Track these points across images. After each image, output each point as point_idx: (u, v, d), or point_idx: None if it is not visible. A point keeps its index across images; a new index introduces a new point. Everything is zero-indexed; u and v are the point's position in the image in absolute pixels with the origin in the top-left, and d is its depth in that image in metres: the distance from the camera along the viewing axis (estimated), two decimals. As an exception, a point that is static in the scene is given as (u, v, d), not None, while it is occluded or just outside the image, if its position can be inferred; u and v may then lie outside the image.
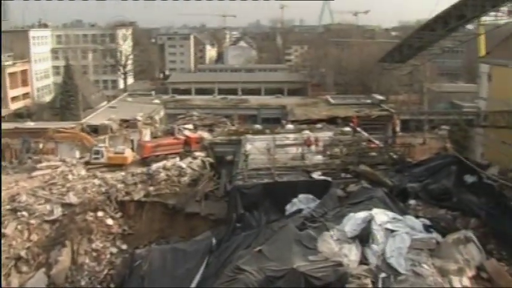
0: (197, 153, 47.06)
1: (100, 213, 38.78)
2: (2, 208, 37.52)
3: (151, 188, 41.01)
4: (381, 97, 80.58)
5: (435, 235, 26.54)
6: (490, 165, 39.09)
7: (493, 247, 28.10)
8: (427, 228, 27.40)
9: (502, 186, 33.72)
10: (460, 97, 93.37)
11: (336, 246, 25.60)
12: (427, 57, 45.52)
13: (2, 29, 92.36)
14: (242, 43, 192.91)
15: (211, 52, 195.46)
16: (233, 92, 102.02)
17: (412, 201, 32.96)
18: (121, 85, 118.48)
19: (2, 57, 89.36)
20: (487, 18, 38.87)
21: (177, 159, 45.49)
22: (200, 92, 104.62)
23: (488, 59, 42.36)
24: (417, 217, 29.09)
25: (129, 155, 47.84)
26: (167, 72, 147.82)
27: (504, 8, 34.99)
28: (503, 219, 29.45)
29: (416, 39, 42.10)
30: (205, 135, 53.47)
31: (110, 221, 38.76)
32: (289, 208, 33.20)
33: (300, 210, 32.06)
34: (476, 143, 43.65)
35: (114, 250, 37.46)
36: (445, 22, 37.82)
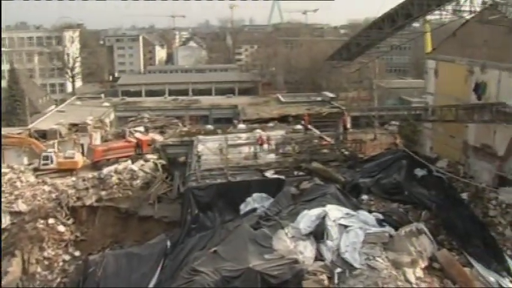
0: (149, 156, 46.55)
1: (51, 220, 37.90)
2: None
3: (103, 193, 40.34)
4: (331, 94, 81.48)
5: (388, 229, 27.09)
6: (438, 158, 40.15)
7: (444, 238, 28.95)
8: (380, 222, 27.97)
9: (450, 178, 34.67)
10: (408, 93, 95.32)
11: (291, 243, 25.82)
12: (375, 54, 46.27)
13: None
14: (192, 43, 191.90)
15: (160, 53, 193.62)
16: (184, 92, 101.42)
17: (364, 196, 33.47)
18: (69, 88, 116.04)
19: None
20: (433, 17, 39.83)
21: (129, 162, 44.89)
22: (150, 93, 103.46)
23: (435, 55, 43.31)
24: (370, 212, 29.68)
25: (80, 159, 47.05)
26: (116, 75, 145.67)
27: (449, 7, 35.85)
28: (453, 210, 30.31)
29: (364, 38, 42.73)
30: (157, 137, 53.01)
31: (61, 228, 37.93)
32: (244, 208, 33.29)
33: (254, 210, 32.17)
34: (425, 137, 44.64)
35: (66, 257, 36.67)
36: (392, 21, 38.49)
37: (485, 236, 28.63)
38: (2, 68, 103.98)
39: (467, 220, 29.59)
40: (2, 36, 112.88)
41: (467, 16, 35.43)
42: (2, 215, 37.82)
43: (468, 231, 28.69)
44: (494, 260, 27.35)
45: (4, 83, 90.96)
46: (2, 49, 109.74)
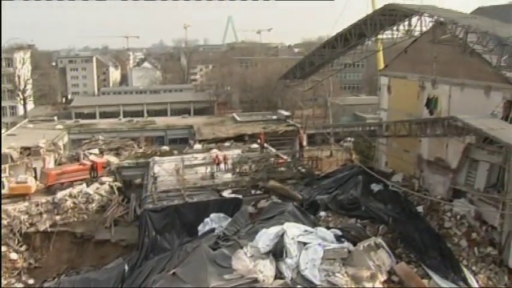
0: (104, 178, 45.79)
1: (3, 248, 36.74)
2: None
3: (57, 217, 39.42)
4: (286, 113, 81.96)
5: (346, 244, 27.24)
6: (394, 172, 40.64)
7: (402, 251, 29.24)
8: (338, 238, 28.09)
9: (406, 192, 35.15)
10: (362, 109, 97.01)
11: (250, 263, 25.68)
12: (328, 73, 46.76)
13: None
14: (146, 64, 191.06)
15: (115, 74, 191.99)
16: (139, 114, 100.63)
17: (322, 213, 33.65)
18: (21, 111, 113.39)
19: None
20: (385, 35, 40.58)
21: (84, 185, 44.07)
22: (105, 115, 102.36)
23: (387, 71, 44.01)
24: (328, 228, 29.75)
25: (32, 184, 45.78)
26: (70, 96, 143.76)
27: (401, 27, 36.62)
28: (409, 223, 30.69)
29: (318, 57, 43.20)
30: (112, 159, 52.15)
31: (14, 255, 36.82)
32: (202, 228, 33.11)
33: (212, 230, 32.01)
34: (380, 153, 45.16)
35: (20, 286, 35.54)
36: (345, 40, 39.08)
37: (441, 248, 29.09)
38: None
39: (423, 232, 30.00)
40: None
41: (418, 35, 36.16)
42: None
43: (425, 243, 29.09)
44: (451, 270, 27.79)
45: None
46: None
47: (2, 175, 46.64)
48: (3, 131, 78.59)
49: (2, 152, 53.08)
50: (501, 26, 28.35)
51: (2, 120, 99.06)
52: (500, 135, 26.48)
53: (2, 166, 48.91)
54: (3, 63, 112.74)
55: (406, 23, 36.03)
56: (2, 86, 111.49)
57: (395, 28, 37.26)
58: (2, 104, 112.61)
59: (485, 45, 28.13)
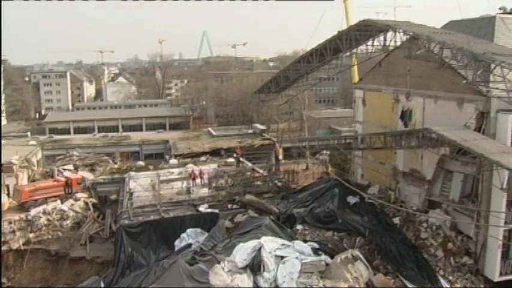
0: (79, 195, 45.16)
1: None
2: None
3: (31, 235, 38.73)
4: (262, 126, 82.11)
5: (324, 257, 27.28)
6: (370, 185, 40.89)
7: (379, 262, 29.40)
8: (315, 251, 28.12)
9: (382, 204, 35.38)
10: (338, 122, 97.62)
11: (228, 277, 25.57)
12: (302, 87, 46.97)
13: None
14: (121, 79, 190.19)
15: (89, 89, 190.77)
16: (114, 129, 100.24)
17: (299, 226, 33.67)
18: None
19: None
20: (359, 51, 40.99)
21: (58, 202, 43.42)
22: (79, 130, 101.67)
23: (362, 84, 44.41)
24: (305, 241, 29.77)
25: (5, 201, 45.10)
26: (43, 112, 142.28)
27: (376, 42, 36.99)
28: (386, 235, 30.86)
29: (293, 71, 43.39)
30: (87, 175, 51.57)
31: (-15, 275, 36.10)
32: (178, 244, 32.85)
33: (189, 245, 31.79)
34: (356, 165, 45.44)
35: (-7, 306, 34.90)
36: (321, 55, 39.32)
37: (418, 258, 29.32)
38: None
39: (400, 244, 30.19)
40: None
41: (392, 48, 36.55)
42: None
43: (402, 254, 29.27)
44: (428, 280, 28.07)
45: None
46: None
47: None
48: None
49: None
50: (475, 41, 28.83)
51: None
52: (473, 146, 26.81)
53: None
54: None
55: (382, 37, 36.46)
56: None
57: (370, 43, 37.68)
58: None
59: (459, 61, 28.55)
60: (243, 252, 26.71)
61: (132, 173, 47.36)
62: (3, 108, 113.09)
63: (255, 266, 26.08)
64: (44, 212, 40.95)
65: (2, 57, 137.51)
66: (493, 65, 26.66)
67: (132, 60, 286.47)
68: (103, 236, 39.70)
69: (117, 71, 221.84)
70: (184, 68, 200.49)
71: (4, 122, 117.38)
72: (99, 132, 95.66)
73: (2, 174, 50.83)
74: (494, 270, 29.84)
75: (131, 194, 39.96)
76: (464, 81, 29.67)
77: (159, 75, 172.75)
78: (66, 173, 51.61)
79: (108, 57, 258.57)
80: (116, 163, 60.77)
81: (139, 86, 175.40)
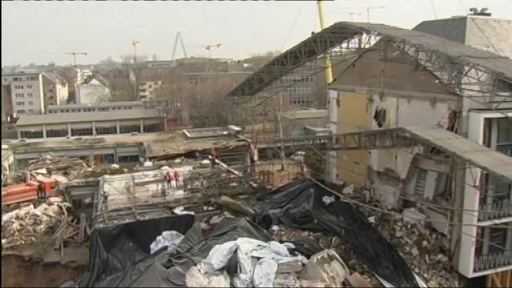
0: (53, 199, 44.59)
1: None
2: None
3: (3, 241, 38.05)
4: (237, 128, 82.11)
5: (300, 257, 27.32)
6: (345, 184, 41.13)
7: (355, 262, 29.60)
8: (291, 252, 28.15)
9: (357, 203, 35.63)
10: (312, 123, 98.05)
11: (204, 279, 25.48)
12: (276, 89, 46.98)
13: None
14: (94, 81, 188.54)
15: (62, 92, 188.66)
16: (87, 132, 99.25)
17: (275, 227, 33.70)
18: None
19: None
20: (333, 53, 41.17)
21: (31, 206, 42.83)
22: (52, 134, 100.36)
23: (336, 85, 44.64)
24: (281, 242, 29.79)
25: (-24, 207, 44.39)
26: (15, 115, 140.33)
27: (351, 44, 37.14)
28: (361, 234, 31.08)
29: (267, 74, 43.38)
30: (61, 178, 50.91)
31: (-44, 283, 35.38)
32: (154, 246, 32.59)
33: (165, 248, 31.57)
34: (331, 165, 45.66)
35: (-36, 315, 34.14)
36: (295, 57, 39.36)
37: (393, 257, 29.58)
38: None
39: (375, 242, 30.42)
40: None
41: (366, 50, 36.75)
42: None
43: (377, 253, 29.50)
44: (404, 278, 28.32)
45: None
46: None
47: None
48: None
49: None
50: (449, 44, 29.18)
51: None
52: (446, 145, 27.15)
53: None
54: None
55: (356, 39, 36.60)
56: None
57: (345, 45, 37.84)
58: None
59: (433, 63, 28.87)
60: (219, 253, 26.63)
61: (107, 176, 46.88)
62: None
63: (231, 268, 26.03)
64: (17, 217, 40.33)
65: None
66: (467, 67, 26.99)
67: (106, 62, 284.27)
68: (78, 240, 39.21)
69: (91, 73, 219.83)
70: (158, 70, 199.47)
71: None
72: (72, 135, 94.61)
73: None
74: (468, 267, 30.28)
75: (106, 197, 39.55)
76: (440, 84, 30.01)
77: (133, 77, 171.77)
78: (39, 177, 50.92)
79: (81, 59, 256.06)
80: (90, 166, 60.09)
81: (113, 88, 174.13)
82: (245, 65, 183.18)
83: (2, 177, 42.45)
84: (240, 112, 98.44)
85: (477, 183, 26.84)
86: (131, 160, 71.23)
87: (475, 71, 26.40)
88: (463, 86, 27.56)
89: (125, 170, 52.27)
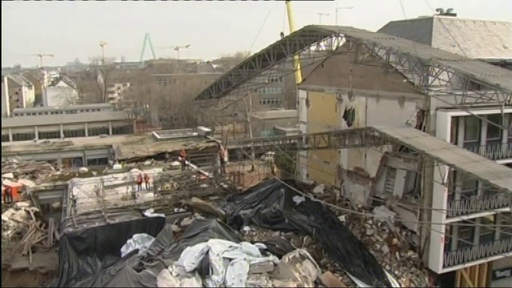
0: (20, 204, 43.89)
1: None
2: None
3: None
4: (206, 129, 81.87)
5: (272, 257, 27.35)
6: (315, 184, 41.31)
7: (327, 260, 29.77)
8: (263, 252, 28.18)
9: (328, 202, 35.82)
10: (282, 123, 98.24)
11: (176, 282, 25.33)
12: (243, 92, 46.83)
13: None
14: (61, 83, 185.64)
15: (28, 94, 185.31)
16: (55, 135, 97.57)
17: (246, 228, 33.72)
18: None
19: None
20: (302, 56, 41.28)
21: (-3, 212, 42.14)
22: (19, 137, 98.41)
23: (305, 85, 44.82)
24: (253, 242, 29.84)
25: None
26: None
27: (320, 46, 37.22)
28: (332, 233, 31.27)
29: (235, 77, 43.22)
30: (28, 183, 50.15)
31: None
32: (125, 250, 32.28)
33: (136, 251, 31.28)
34: (301, 165, 45.82)
35: None
36: (264, 60, 39.29)
37: (364, 255, 29.85)
38: None
39: (346, 241, 30.64)
40: None
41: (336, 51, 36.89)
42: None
43: (348, 251, 29.70)
44: (375, 276, 28.58)
45: None
46: None
47: None
48: None
49: None
50: (419, 46, 29.50)
51: None
52: (415, 143, 27.46)
53: None
54: None
55: (326, 42, 36.67)
56: None
57: (314, 48, 37.94)
58: None
59: (403, 65, 29.18)
60: (190, 255, 26.50)
61: (75, 180, 46.38)
62: None
63: (203, 269, 25.93)
64: (-18, 223, 39.59)
65: None
66: (437, 69, 27.30)
67: (73, 64, 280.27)
68: (46, 245, 38.66)
69: (58, 75, 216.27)
70: (126, 71, 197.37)
71: None
72: (39, 138, 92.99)
73: None
74: (437, 263, 30.75)
75: (75, 201, 39.08)
76: (410, 83, 30.35)
77: (101, 79, 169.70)
78: (6, 182, 50.03)
79: (48, 61, 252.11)
80: (58, 170, 59.31)
81: (81, 91, 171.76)
82: (214, 65, 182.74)
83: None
84: (209, 113, 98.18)
85: (445, 181, 27.20)
86: (100, 163, 70.36)
87: (446, 73, 26.76)
88: (434, 88, 27.88)
89: (94, 173, 51.78)
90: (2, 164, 62.67)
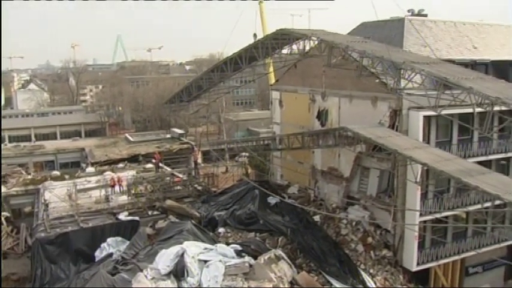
0: (-10, 209, 43.27)
1: None
2: None
3: None
4: (180, 131, 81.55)
5: (247, 259, 27.41)
6: (290, 185, 41.41)
7: (302, 261, 29.88)
8: (238, 253, 28.20)
9: (303, 202, 35.93)
10: (255, 124, 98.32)
11: (151, 285, 25.28)
12: (214, 96, 46.66)
13: None
14: (32, 86, 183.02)
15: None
16: (26, 138, 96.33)
17: (221, 229, 33.72)
18: None
19: None
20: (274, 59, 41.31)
21: (-33, 217, 41.38)
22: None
23: (278, 86, 44.88)
24: (228, 244, 29.87)
25: None
26: None
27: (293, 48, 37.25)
28: (307, 233, 31.36)
29: (206, 80, 42.99)
30: (-1, 188, 49.49)
31: None
32: (99, 254, 31.98)
33: (110, 255, 31.04)
34: (275, 166, 45.87)
35: None
36: (235, 63, 39.19)
37: (339, 254, 30.01)
38: None
39: (321, 241, 30.76)
40: None
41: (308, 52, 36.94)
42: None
43: (323, 251, 29.82)
44: (350, 275, 28.72)
45: None
46: None
47: None
48: None
49: None
50: (392, 50, 29.72)
51: None
52: (388, 142, 27.68)
53: None
54: None
55: (298, 45, 36.71)
56: None
57: (285, 51, 38.00)
58: None
59: (375, 68, 29.39)
60: (165, 258, 26.41)
61: (47, 184, 45.80)
62: None
63: (178, 272, 25.87)
64: (-49, 230, 38.87)
65: None
66: (412, 73, 27.53)
67: (44, 66, 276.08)
68: (18, 251, 38.15)
69: (28, 78, 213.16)
70: (98, 74, 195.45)
71: None
72: (10, 142, 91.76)
73: None
74: (411, 261, 31.07)
75: (47, 205, 38.48)
76: (382, 84, 30.56)
77: (72, 81, 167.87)
78: (-24, 187, 49.24)
79: (18, 63, 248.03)
80: (29, 174, 58.51)
81: (52, 93, 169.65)
82: (187, 67, 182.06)
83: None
84: (182, 115, 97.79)
85: (418, 179, 27.46)
86: (73, 166, 69.65)
87: (420, 76, 27.00)
88: (407, 91, 28.14)
89: (67, 176, 51.17)
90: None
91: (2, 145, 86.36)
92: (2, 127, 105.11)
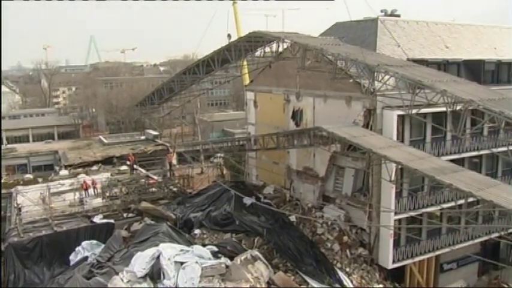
0: (-39, 214, 42.49)
1: None
2: None
3: None
4: (154, 132, 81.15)
5: (224, 260, 27.38)
6: (265, 185, 41.42)
7: (278, 261, 29.92)
8: (215, 255, 28.17)
9: (279, 202, 35.97)
10: (230, 125, 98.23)
11: (127, 288, 24.99)
12: (186, 98, 46.43)
13: None
14: (3, 88, 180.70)
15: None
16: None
17: (197, 231, 33.61)
18: None
19: None
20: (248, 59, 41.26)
21: None
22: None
23: (253, 86, 44.83)
24: (204, 245, 29.78)
25: None
26: None
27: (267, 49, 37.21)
28: (283, 233, 31.41)
29: (178, 83, 42.69)
30: (-31, 192, 48.66)
31: None
32: (74, 257, 31.66)
33: (85, 258, 30.76)
34: (251, 166, 45.83)
35: None
36: (208, 65, 38.94)
37: (316, 253, 30.09)
38: None
39: (298, 241, 30.82)
40: None
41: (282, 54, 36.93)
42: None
43: (300, 251, 29.88)
44: (327, 274, 28.83)
45: None
46: None
47: None
48: None
49: None
50: (366, 53, 29.89)
51: None
52: (362, 142, 27.83)
53: None
54: None
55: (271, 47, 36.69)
56: None
57: (258, 53, 37.96)
58: None
59: (349, 70, 29.53)
60: (141, 261, 26.23)
61: (20, 187, 45.21)
62: None
63: (154, 274, 25.74)
64: None
65: None
66: (384, 75, 27.72)
67: (15, 67, 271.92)
68: (-10, 256, 37.46)
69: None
70: (71, 75, 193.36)
71: None
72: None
73: None
74: (387, 259, 31.30)
75: (20, 209, 37.94)
76: (356, 83, 30.74)
77: (45, 83, 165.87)
78: None
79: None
80: (1, 177, 57.71)
81: (24, 95, 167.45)
82: (161, 68, 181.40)
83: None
84: (156, 116, 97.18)
85: (393, 178, 27.65)
86: (46, 169, 69.01)
87: (394, 79, 27.21)
88: (382, 92, 28.34)
89: (40, 179, 50.69)
90: None
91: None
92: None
